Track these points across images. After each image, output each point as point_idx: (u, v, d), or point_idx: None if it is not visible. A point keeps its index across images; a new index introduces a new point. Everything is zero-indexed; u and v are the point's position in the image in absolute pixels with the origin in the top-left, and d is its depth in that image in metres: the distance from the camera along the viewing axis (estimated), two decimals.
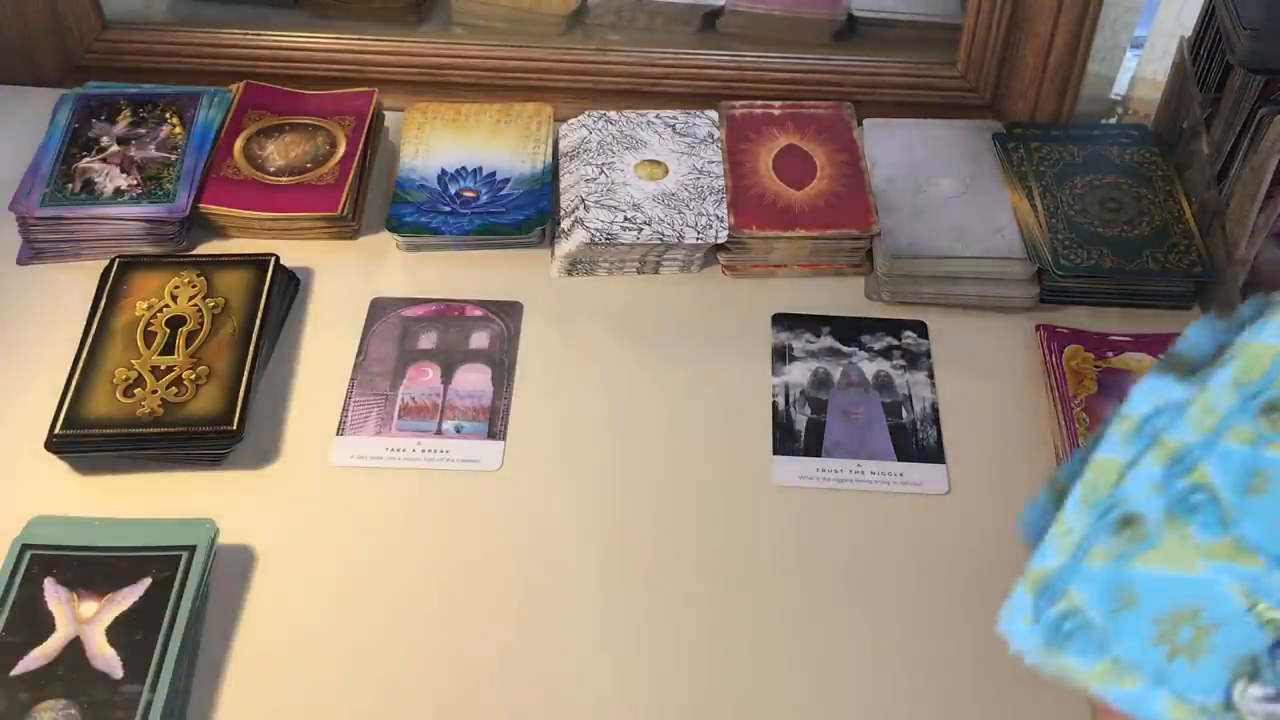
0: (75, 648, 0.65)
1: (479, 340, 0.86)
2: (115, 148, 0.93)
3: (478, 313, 0.87)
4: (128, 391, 0.78)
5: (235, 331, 0.82)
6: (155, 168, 0.92)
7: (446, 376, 0.83)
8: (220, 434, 0.77)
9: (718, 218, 0.88)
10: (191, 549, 0.70)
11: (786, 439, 0.80)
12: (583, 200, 0.89)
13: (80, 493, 0.76)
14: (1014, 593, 0.41)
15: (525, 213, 0.90)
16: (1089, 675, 0.39)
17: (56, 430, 0.76)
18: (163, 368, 0.79)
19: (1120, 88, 1.04)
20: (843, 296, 0.89)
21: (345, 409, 0.81)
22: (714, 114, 0.97)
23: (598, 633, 0.70)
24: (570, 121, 0.98)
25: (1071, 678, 0.39)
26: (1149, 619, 0.38)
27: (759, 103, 0.98)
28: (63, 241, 0.90)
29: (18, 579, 0.68)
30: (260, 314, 0.82)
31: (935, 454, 0.79)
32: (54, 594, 0.68)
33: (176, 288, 0.84)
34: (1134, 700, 0.38)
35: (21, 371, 0.83)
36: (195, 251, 0.91)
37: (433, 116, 0.98)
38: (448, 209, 0.91)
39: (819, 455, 0.79)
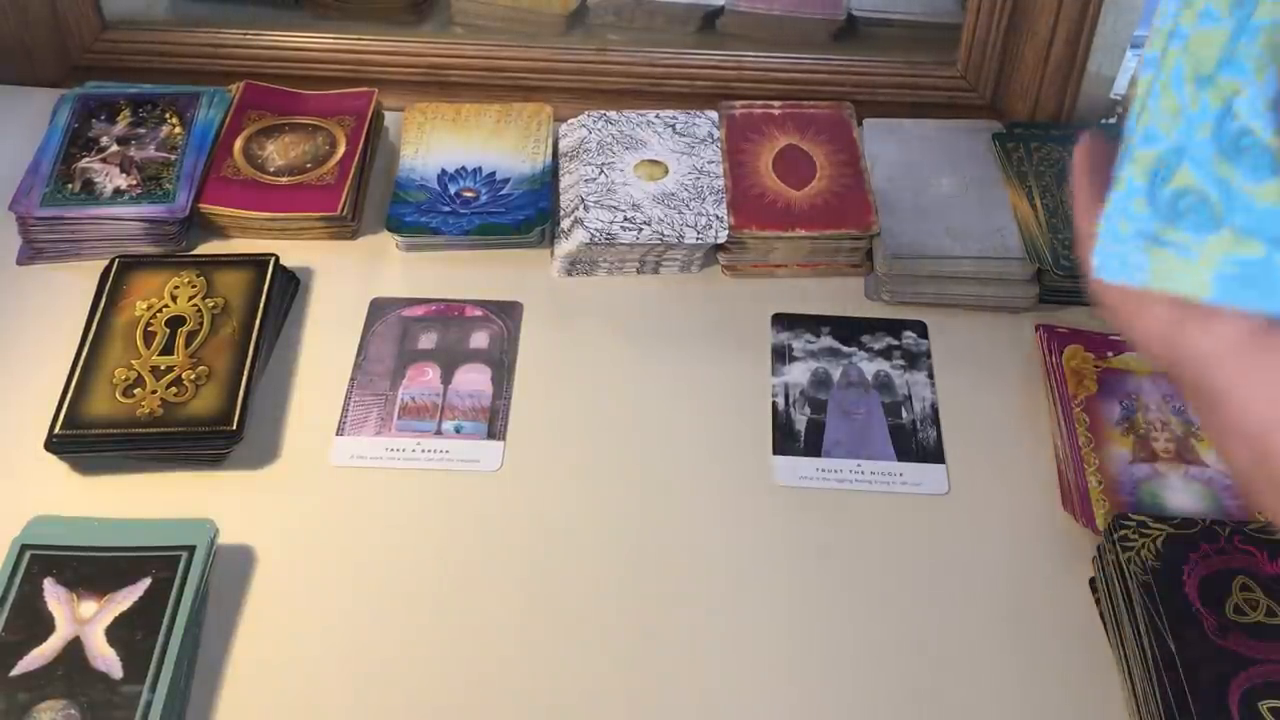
0: (75, 648, 0.65)
1: (479, 340, 0.86)
2: (115, 148, 0.93)
3: (477, 313, 0.87)
4: (127, 391, 0.78)
5: (235, 331, 0.82)
6: (155, 168, 0.92)
7: (446, 376, 0.83)
8: (220, 434, 0.77)
9: (718, 218, 0.88)
10: (191, 549, 0.70)
11: (786, 439, 0.80)
12: (582, 200, 0.89)
13: (80, 493, 0.76)
14: (1123, 181, 0.40)
15: (525, 213, 0.90)
16: (1208, 246, 0.38)
17: (56, 430, 0.76)
18: (163, 368, 0.79)
19: (1120, 88, 1.03)
20: (843, 296, 0.89)
21: (345, 409, 0.81)
22: (714, 114, 0.97)
23: (597, 632, 0.70)
24: (570, 121, 0.98)
25: (1178, 267, 0.39)
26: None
27: (759, 103, 0.98)
28: (63, 241, 0.90)
29: (17, 579, 0.68)
30: (260, 314, 0.82)
31: (935, 454, 0.79)
32: (54, 594, 0.68)
33: (176, 288, 0.84)
34: (1256, 270, 0.38)
35: (21, 371, 0.83)
36: (195, 251, 0.91)
37: (433, 116, 0.98)
38: (447, 209, 0.91)
39: (819, 455, 0.79)
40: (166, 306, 0.83)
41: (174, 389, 0.78)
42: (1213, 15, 0.38)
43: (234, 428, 0.76)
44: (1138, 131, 0.40)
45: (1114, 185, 0.41)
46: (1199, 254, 0.39)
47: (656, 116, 0.96)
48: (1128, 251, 0.40)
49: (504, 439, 0.80)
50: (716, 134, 0.95)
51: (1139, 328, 0.42)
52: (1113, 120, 1.03)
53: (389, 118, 1.01)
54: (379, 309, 0.88)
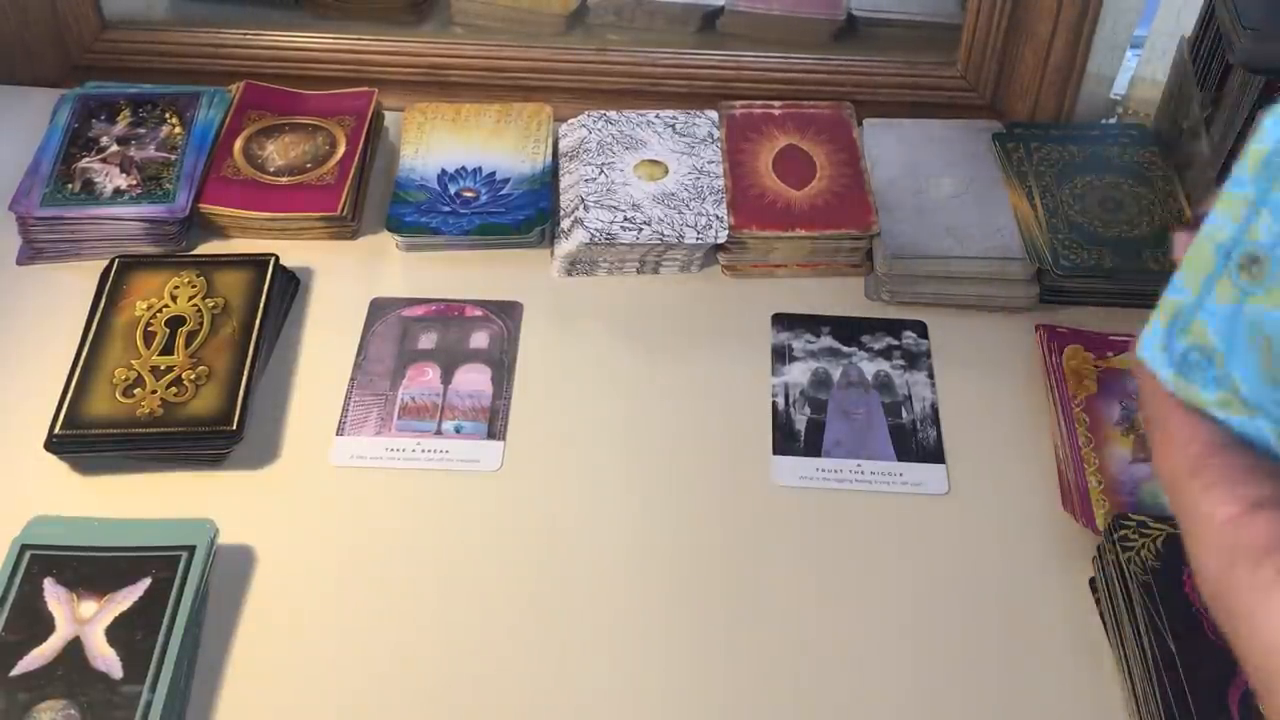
0: (75, 648, 0.65)
1: (479, 340, 0.86)
2: (115, 148, 0.93)
3: (477, 313, 0.87)
4: (127, 391, 0.78)
5: (235, 331, 0.82)
6: (155, 168, 0.92)
7: (446, 376, 0.83)
8: (220, 434, 0.77)
9: (717, 218, 0.88)
10: (191, 549, 0.70)
11: (786, 439, 0.80)
12: (582, 200, 0.89)
13: (80, 493, 0.76)
14: (1151, 321, 0.43)
15: (525, 213, 0.91)
16: (1210, 403, 0.41)
17: (56, 430, 0.76)
18: (163, 368, 0.79)
19: (1120, 88, 1.03)
20: (843, 296, 0.89)
21: (345, 409, 0.81)
22: (714, 114, 0.97)
23: (597, 632, 0.70)
24: (570, 121, 0.98)
25: (1196, 401, 0.42)
26: (1264, 357, 0.40)
27: (759, 103, 0.98)
28: (63, 241, 0.90)
29: (17, 579, 0.68)
30: (260, 314, 0.82)
31: (935, 454, 0.79)
32: (54, 594, 0.68)
33: (176, 288, 0.84)
34: (1250, 429, 0.41)
35: (21, 371, 0.83)
36: (195, 251, 0.91)
37: (433, 116, 0.98)
38: (447, 209, 0.91)
39: (819, 455, 0.79)
40: (166, 306, 0.83)
41: (174, 389, 0.78)
42: (1240, 181, 0.40)
43: (234, 428, 0.76)
44: (1176, 275, 0.42)
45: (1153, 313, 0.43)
46: (1207, 398, 0.42)
47: (656, 116, 0.96)
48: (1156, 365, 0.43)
49: (504, 439, 0.80)
50: (716, 134, 0.95)
51: (1161, 455, 0.43)
52: (1112, 120, 1.03)
53: (389, 118, 1.01)
54: (379, 309, 0.88)
